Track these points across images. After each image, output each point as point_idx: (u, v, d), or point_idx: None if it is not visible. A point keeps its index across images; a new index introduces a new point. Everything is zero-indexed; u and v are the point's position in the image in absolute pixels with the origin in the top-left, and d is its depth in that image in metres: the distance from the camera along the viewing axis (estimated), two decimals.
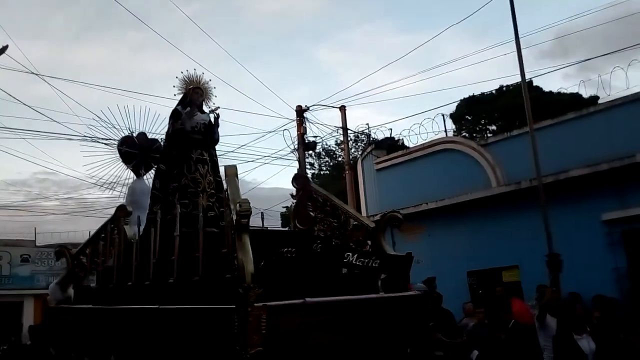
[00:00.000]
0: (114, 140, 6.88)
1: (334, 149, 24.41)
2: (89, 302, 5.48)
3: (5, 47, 4.07)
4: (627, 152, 7.56)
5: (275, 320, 3.10)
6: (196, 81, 5.61)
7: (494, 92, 21.71)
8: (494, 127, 22.36)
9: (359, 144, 24.75)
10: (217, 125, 5.56)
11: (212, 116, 5.59)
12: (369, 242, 4.36)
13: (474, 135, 21.38)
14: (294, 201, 4.71)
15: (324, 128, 14.66)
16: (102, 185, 6.69)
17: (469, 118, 23.64)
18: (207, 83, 5.69)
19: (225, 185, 4.68)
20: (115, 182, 6.72)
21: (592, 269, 7.39)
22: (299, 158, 12.75)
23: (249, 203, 3.38)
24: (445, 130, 12.06)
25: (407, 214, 4.52)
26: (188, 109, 5.41)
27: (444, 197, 9.68)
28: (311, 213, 4.59)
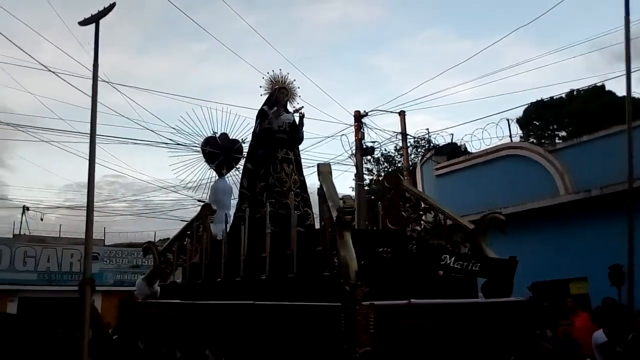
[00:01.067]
0: (197, 143, 7.05)
1: (393, 154, 24.12)
2: (175, 297, 5.61)
3: (112, 5, 4.36)
4: None
5: (381, 320, 3.00)
6: (281, 81, 5.65)
7: (563, 96, 20.73)
8: (563, 133, 21.34)
9: (419, 149, 24.36)
10: (302, 125, 5.57)
11: (296, 116, 5.60)
12: (468, 245, 4.17)
13: (542, 141, 20.46)
14: (384, 201, 4.59)
15: (382, 133, 14.41)
16: (186, 187, 6.85)
17: (537, 123, 22.69)
18: (292, 83, 5.72)
19: (318, 184, 4.64)
20: (198, 183, 6.88)
21: None
22: (356, 163, 12.70)
23: (353, 199, 3.31)
24: (510, 136, 11.54)
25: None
26: (275, 108, 5.44)
27: (507, 205, 9.19)
28: (403, 213, 4.46)
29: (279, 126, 5.43)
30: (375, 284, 3.28)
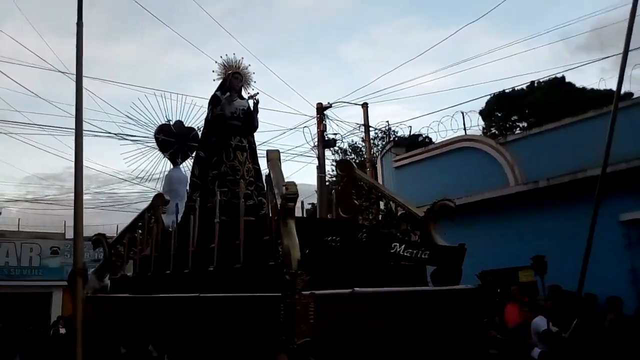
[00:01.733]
0: (149, 131, 6.80)
1: (360, 145, 24.17)
2: (125, 291, 5.42)
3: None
4: None
5: (322, 309, 2.91)
6: (235, 66, 5.46)
7: (524, 88, 21.07)
8: (524, 124, 21.71)
9: (385, 141, 24.44)
10: (257, 112, 5.41)
11: (251, 102, 5.44)
12: (417, 233, 4.12)
13: (504, 132, 20.80)
14: (337, 187, 4.50)
15: (345, 125, 14.39)
16: (138, 178, 6.61)
17: (499, 115, 23.03)
18: (247, 68, 5.54)
19: (266, 172, 4.51)
20: (151, 173, 6.64)
21: (609, 270, 7.12)
22: (318, 155, 12.69)
23: (296, 186, 3.20)
24: (465, 128, 11.81)
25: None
26: (228, 94, 5.27)
27: (460, 196, 9.42)
28: (355, 201, 4.38)
29: (232, 112, 5.26)
30: (321, 273, 3.19)
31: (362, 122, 13.08)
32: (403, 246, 3.80)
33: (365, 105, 13.10)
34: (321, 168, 12.06)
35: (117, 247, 6.03)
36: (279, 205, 3.30)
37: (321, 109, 12.51)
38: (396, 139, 12.45)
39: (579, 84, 19.64)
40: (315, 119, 12.52)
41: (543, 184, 8.41)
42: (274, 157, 3.94)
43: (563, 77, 19.03)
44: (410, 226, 4.14)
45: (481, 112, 20.85)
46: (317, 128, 12.53)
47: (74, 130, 4.00)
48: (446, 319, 3.58)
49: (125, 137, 6.47)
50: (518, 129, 20.75)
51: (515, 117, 22.65)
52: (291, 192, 3.13)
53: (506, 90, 19.06)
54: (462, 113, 11.46)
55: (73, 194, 4.03)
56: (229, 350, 3.41)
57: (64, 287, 15.42)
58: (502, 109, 22.56)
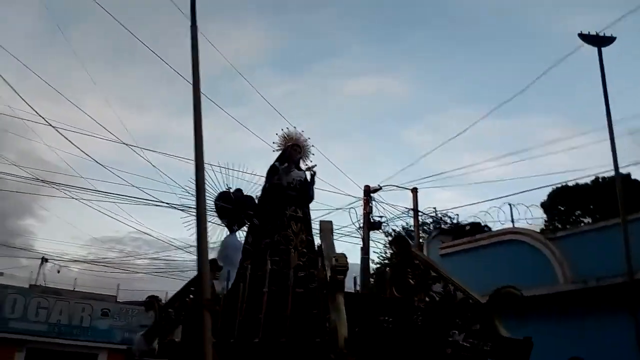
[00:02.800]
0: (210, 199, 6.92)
1: (413, 230, 23.83)
2: (170, 356, 5.30)
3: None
4: None
5: None
6: (295, 138, 5.58)
7: (589, 182, 20.48)
8: (589, 219, 20.72)
9: (438, 226, 23.98)
10: (313, 183, 5.42)
11: (308, 174, 5.47)
12: (479, 321, 3.79)
13: (567, 226, 20.02)
14: (392, 266, 4.30)
15: (395, 209, 14.49)
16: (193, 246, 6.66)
17: (562, 208, 22.25)
18: (306, 141, 5.63)
19: (318, 244, 4.42)
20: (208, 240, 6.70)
21: None
22: (363, 236, 12.64)
23: (346, 258, 3.06)
24: (512, 220, 11.76)
25: None
26: (286, 164, 5.34)
27: None
28: (411, 281, 4.14)
29: (288, 182, 5.30)
30: (370, 354, 2.97)
31: (412, 207, 13.01)
32: (463, 335, 3.51)
33: (414, 190, 13.18)
34: (365, 249, 11.99)
35: (168, 311, 5.99)
36: (328, 278, 3.17)
37: (368, 191, 12.66)
38: (447, 225, 12.41)
39: None
40: (362, 200, 12.66)
41: (592, 284, 8.04)
42: (326, 228, 3.86)
43: (629, 174, 18.37)
44: (470, 313, 3.83)
45: (543, 205, 20.40)
46: (364, 210, 12.58)
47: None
48: None
49: (184, 208, 6.62)
50: (582, 223, 19.93)
51: (578, 212, 21.91)
52: (341, 264, 3.00)
53: (569, 184, 18.60)
54: (510, 205, 11.37)
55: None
56: None
57: (109, 349, 15.68)
58: (564, 202, 21.92)
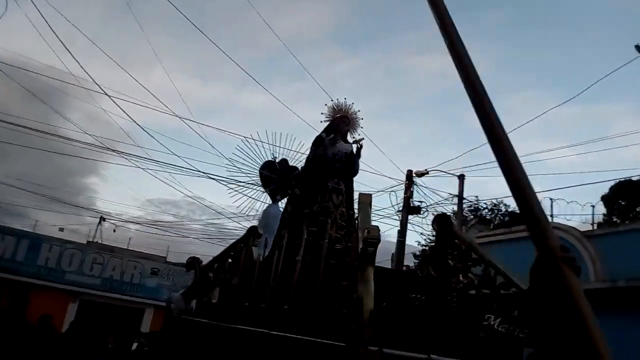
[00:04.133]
0: (256, 168, 6.97)
1: (466, 215, 23.42)
2: (208, 316, 5.44)
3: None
4: None
5: None
6: (344, 110, 5.47)
7: None
8: None
9: (493, 213, 23.46)
10: (359, 157, 5.31)
11: (354, 147, 5.36)
12: (517, 308, 3.59)
13: (626, 222, 19.03)
14: (430, 245, 4.15)
15: (436, 194, 14.38)
16: (241, 210, 6.75)
17: (623, 203, 20.94)
18: (355, 113, 5.51)
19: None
20: (252, 206, 6.76)
21: None
22: (401, 220, 12.66)
23: (379, 230, 2.96)
24: (552, 215, 11.31)
25: None
26: (332, 135, 5.25)
27: None
28: (450, 261, 3.98)
29: (333, 154, 5.22)
30: (396, 331, 2.88)
31: (457, 194, 12.94)
32: (499, 320, 3.33)
33: (461, 177, 13.00)
34: (402, 233, 11.95)
35: (207, 272, 6.14)
36: (359, 250, 3.09)
37: (410, 176, 12.66)
38: (496, 214, 12.52)
39: None
40: (404, 184, 12.70)
41: (622, 284, 8.08)
42: (365, 201, 3.76)
43: None
44: (510, 300, 3.63)
45: (603, 198, 19.37)
46: (404, 194, 12.50)
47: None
48: None
49: (232, 178, 6.71)
50: None
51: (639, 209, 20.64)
52: (373, 236, 2.91)
53: (633, 178, 17.52)
54: (551, 199, 11.21)
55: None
56: None
57: (156, 306, 16.53)
58: (627, 197, 20.67)
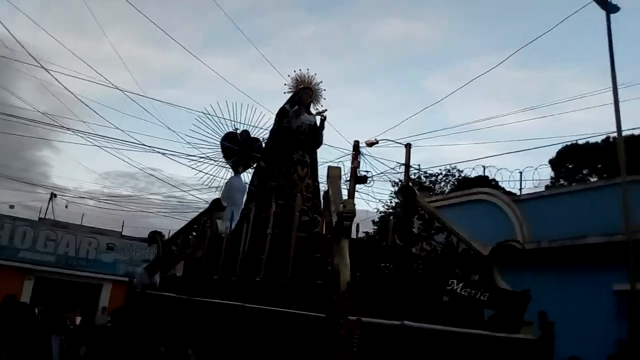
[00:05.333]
0: (217, 139, 6.87)
1: (423, 181, 24.30)
2: (173, 290, 5.44)
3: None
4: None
5: (367, 338, 2.72)
6: (307, 81, 5.45)
7: (599, 142, 20.32)
8: (595, 179, 20.76)
9: (448, 178, 24.43)
10: (323, 128, 5.35)
11: (318, 118, 5.39)
12: (478, 272, 3.83)
13: (573, 184, 20.22)
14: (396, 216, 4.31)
15: (385, 164, 15.19)
16: (201, 182, 6.68)
17: (570, 167, 22.16)
18: (318, 84, 5.51)
19: (325, 190, 4.40)
20: (213, 178, 6.71)
21: (597, 337, 7.47)
22: (349, 190, 13.14)
23: (354, 204, 3.05)
24: (485, 181, 12.16)
25: None
26: (296, 107, 5.25)
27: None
28: (414, 230, 4.16)
29: (297, 126, 5.23)
30: (369, 300, 3.02)
31: (405, 162, 13.61)
32: (461, 284, 3.54)
33: (408, 146, 13.60)
34: None
35: (170, 246, 6.09)
36: (334, 223, 3.17)
37: (357, 147, 13.24)
38: (455, 179, 13.31)
39: None
40: (351, 155, 13.33)
41: (544, 245, 8.66)
42: (334, 174, 3.83)
43: (636, 135, 18.12)
44: (471, 264, 3.86)
45: (551, 162, 20.37)
46: (352, 164, 12.98)
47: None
48: None
49: (192, 141, 6.58)
50: (588, 182, 20.13)
51: (586, 171, 21.87)
52: (348, 210, 2.99)
53: (579, 143, 18.48)
54: (483, 167, 12.02)
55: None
56: None
57: (113, 281, 16.40)
58: (573, 160, 21.83)
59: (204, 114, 6.24)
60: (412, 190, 4.34)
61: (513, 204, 10.24)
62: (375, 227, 21.14)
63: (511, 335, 3.40)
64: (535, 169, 13.28)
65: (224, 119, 6.49)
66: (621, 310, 7.92)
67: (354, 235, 4.11)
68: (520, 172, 11.06)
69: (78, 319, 9.17)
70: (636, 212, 7.39)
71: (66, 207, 19.02)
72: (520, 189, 11.13)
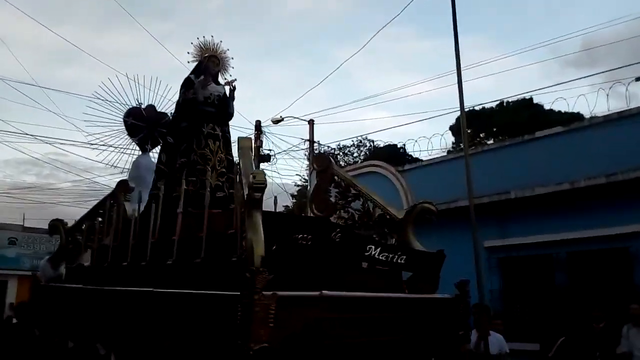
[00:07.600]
0: (120, 111, 6.37)
1: (337, 153, 24.91)
2: (80, 281, 5.04)
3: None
4: (505, 189, 9.31)
5: (285, 313, 2.62)
6: (213, 49, 5.14)
7: (494, 107, 21.87)
8: (491, 142, 22.37)
9: (361, 149, 25.20)
10: (233, 99, 5.09)
11: (227, 88, 5.12)
12: (395, 236, 3.86)
13: (472, 148, 21.82)
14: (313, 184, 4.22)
15: (287, 141, 15.85)
16: (104, 162, 6.21)
17: (469, 131, 23.68)
18: (225, 52, 5.22)
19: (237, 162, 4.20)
20: (118, 158, 6.26)
21: (473, 290, 8.14)
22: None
23: (265, 175, 2.90)
24: (372, 152, 13.75)
25: None
26: (202, 77, 4.94)
27: None
28: (331, 199, 4.10)
29: (205, 97, 4.92)
30: (287, 273, 2.91)
31: (309, 138, 14.21)
32: (379, 249, 3.54)
33: (311, 122, 14.16)
34: None
35: (74, 234, 5.64)
36: (245, 196, 3.01)
37: (259, 126, 13.63)
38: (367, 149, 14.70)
39: (547, 105, 20.19)
40: (253, 135, 13.70)
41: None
42: (245, 145, 3.64)
43: (531, 99, 19.59)
44: (387, 228, 3.88)
45: (451, 128, 21.60)
46: (254, 143, 13.57)
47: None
48: (420, 329, 3.33)
49: (92, 118, 6.06)
50: (485, 146, 21.61)
51: (482, 135, 23.38)
52: (259, 181, 2.84)
53: (475, 109, 19.70)
54: (369, 141, 13.05)
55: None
56: (182, 353, 3.10)
57: (19, 276, 15.30)
58: (471, 126, 23.30)
59: (97, 95, 5.73)
60: (327, 158, 4.26)
61: (398, 174, 11.21)
62: (295, 201, 21.37)
63: (430, 296, 3.47)
64: (442, 135, 14.83)
65: (126, 94, 6.01)
66: (491, 264, 9.31)
67: (272, 209, 4.00)
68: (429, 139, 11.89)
69: None
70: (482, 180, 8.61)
71: None
72: (429, 154, 12.15)
